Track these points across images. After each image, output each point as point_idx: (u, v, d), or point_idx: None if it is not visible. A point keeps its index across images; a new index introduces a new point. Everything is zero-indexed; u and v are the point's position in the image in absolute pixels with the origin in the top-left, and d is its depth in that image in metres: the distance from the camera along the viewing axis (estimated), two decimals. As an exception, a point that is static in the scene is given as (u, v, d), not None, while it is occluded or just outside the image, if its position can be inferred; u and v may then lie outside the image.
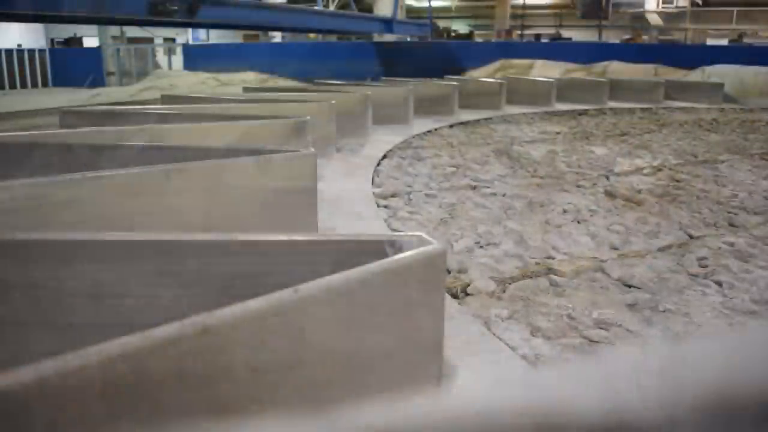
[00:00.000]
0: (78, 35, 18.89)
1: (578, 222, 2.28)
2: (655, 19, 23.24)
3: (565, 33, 23.54)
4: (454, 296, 1.59)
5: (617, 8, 22.64)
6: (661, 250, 1.99)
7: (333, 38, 17.51)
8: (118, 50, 14.99)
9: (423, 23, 16.54)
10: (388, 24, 13.58)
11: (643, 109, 6.62)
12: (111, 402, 0.44)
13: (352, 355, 0.62)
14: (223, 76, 11.84)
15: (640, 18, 23.48)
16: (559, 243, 2.03)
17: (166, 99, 3.44)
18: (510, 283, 1.68)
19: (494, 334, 1.35)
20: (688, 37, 21.96)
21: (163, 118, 2.26)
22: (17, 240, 0.68)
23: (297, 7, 10.76)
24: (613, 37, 21.67)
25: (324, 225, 1.89)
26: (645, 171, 3.30)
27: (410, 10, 20.70)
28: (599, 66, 10.04)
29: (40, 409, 0.41)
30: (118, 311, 0.67)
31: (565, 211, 2.42)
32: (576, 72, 9.77)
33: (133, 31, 16.78)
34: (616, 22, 23.14)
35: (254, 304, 0.55)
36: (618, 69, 9.75)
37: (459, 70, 10.66)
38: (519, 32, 22.99)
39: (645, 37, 21.77)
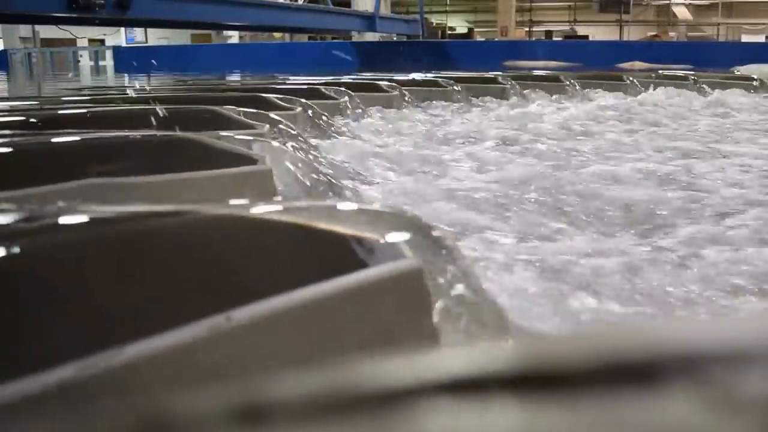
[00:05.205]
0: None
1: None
2: (683, 13, 23.95)
3: (581, 30, 24.15)
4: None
5: (641, 0, 23.28)
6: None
7: (303, 38, 17.73)
8: (28, 55, 14.48)
9: (412, 19, 16.81)
10: (369, 20, 13.78)
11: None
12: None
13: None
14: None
15: (666, 11, 24.19)
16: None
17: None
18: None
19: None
20: (720, 32, 22.65)
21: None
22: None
23: (254, 1, 10.50)
24: (635, 34, 22.31)
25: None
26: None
27: (397, 3, 21.07)
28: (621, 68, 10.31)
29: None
30: (114, 311, 0.71)
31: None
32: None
33: (51, 32, 16.11)
34: (639, 16, 23.83)
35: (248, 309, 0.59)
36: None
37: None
38: (527, 29, 23.55)
39: (672, 34, 22.43)
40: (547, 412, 0.22)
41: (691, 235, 1.97)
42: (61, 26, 14.02)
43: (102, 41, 18.92)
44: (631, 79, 6.74)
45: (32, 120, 2.59)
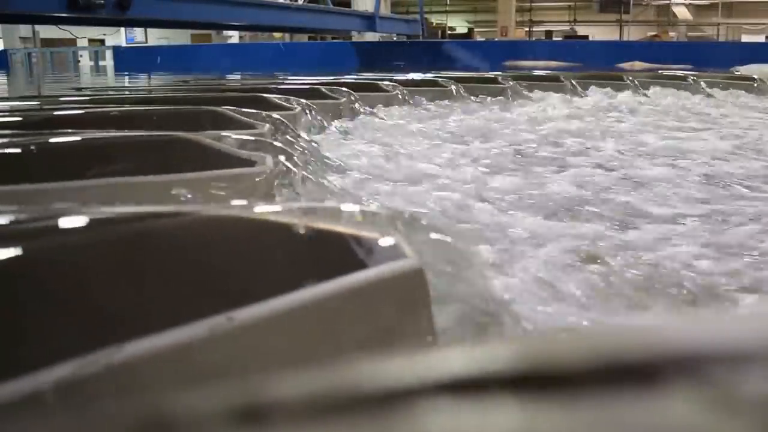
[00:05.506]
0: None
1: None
2: (683, 13, 23.93)
3: (581, 30, 24.15)
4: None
5: (641, 0, 23.28)
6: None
7: (303, 38, 17.73)
8: (28, 55, 14.52)
9: (412, 19, 16.80)
10: (369, 20, 13.78)
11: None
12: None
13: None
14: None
15: (666, 11, 24.17)
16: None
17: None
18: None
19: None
20: (720, 32, 22.63)
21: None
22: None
23: (254, 1, 10.48)
24: (635, 34, 22.30)
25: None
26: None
27: (397, 3, 21.06)
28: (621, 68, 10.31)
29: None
30: (110, 311, 0.71)
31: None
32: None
33: (51, 32, 16.12)
34: (639, 16, 23.82)
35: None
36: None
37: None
38: (527, 29, 23.57)
39: (672, 34, 22.42)
40: (547, 412, 0.22)
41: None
42: (61, 26, 14.02)
43: (102, 41, 18.92)
44: (630, 78, 6.73)
45: (32, 120, 2.59)
